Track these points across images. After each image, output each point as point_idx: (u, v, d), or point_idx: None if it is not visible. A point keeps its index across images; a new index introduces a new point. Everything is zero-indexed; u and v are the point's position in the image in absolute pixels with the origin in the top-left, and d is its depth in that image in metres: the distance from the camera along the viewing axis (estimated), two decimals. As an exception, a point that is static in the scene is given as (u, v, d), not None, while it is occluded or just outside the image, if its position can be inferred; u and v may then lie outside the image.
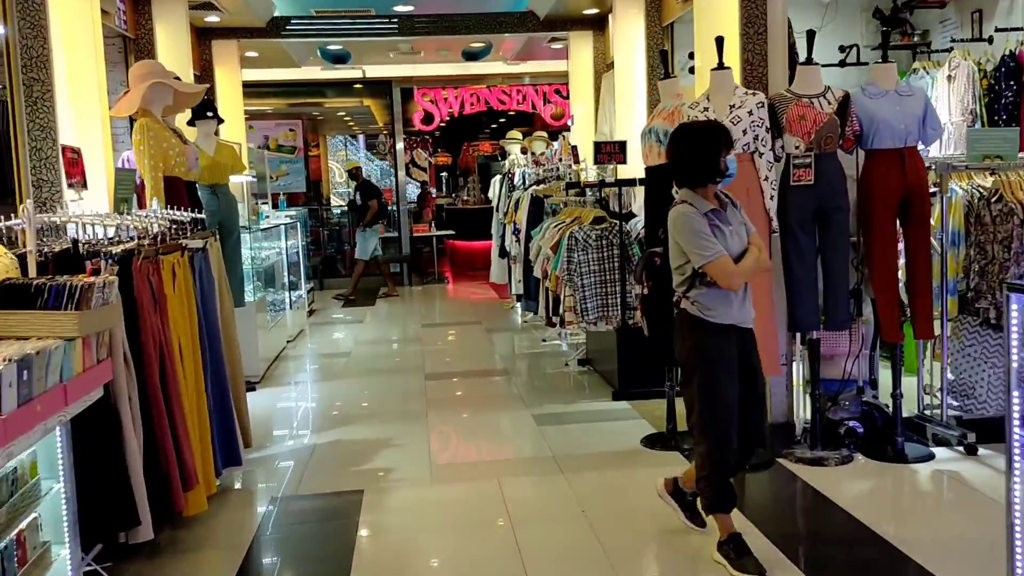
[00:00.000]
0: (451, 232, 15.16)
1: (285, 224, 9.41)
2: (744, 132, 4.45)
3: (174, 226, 4.30)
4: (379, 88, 14.50)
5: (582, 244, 5.95)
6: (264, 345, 7.60)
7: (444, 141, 23.48)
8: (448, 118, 14.16)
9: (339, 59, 13.24)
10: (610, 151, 5.93)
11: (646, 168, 4.99)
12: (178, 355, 3.84)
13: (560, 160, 9.36)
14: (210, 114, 6.71)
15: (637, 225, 6.25)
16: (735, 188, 4.42)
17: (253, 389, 6.91)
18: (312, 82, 13.70)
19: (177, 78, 5.46)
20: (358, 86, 14.52)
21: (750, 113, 4.47)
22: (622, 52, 7.78)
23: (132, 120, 5.54)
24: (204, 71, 8.97)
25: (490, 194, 11.56)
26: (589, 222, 6.02)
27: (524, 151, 11.55)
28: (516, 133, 11.70)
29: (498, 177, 11.32)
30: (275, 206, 10.96)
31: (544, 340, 8.52)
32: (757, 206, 4.46)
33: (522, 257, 8.55)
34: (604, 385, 6.50)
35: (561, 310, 6.06)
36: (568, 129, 13.39)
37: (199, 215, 4.58)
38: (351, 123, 19.65)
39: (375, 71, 13.77)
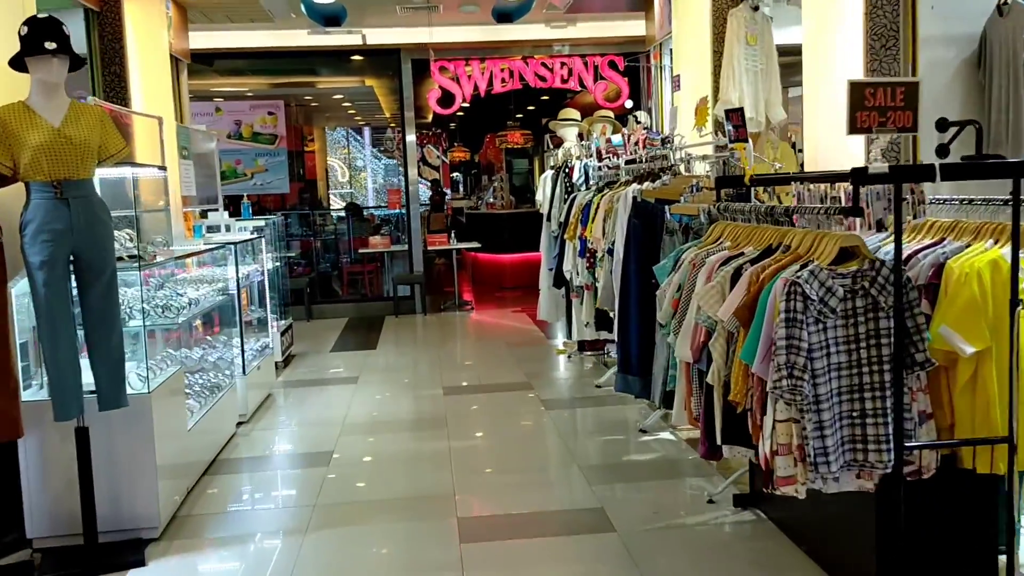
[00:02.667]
0: (476, 244, 11.91)
1: (238, 243, 6.19)
2: None
3: None
4: (384, 61, 11.27)
5: (817, 307, 2.71)
6: (183, 455, 4.41)
7: (461, 133, 20.28)
8: (472, 98, 10.91)
9: (331, 19, 10.03)
10: (882, 104, 2.68)
11: None
12: None
13: (640, 144, 6.18)
14: (51, 46, 3.51)
15: (887, 254, 3.01)
16: None
17: (140, 563, 3.72)
18: (297, 51, 10.49)
19: None
20: (357, 58, 11.31)
21: None
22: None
23: None
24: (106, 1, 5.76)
25: (538, 196, 8.35)
26: (830, 260, 2.77)
27: (581, 136, 8.32)
28: (572, 112, 8.46)
29: (549, 173, 8.09)
30: (234, 213, 7.76)
31: (643, 430, 5.30)
32: None
33: (609, 288, 5.35)
34: (813, 570, 3.29)
35: (767, 447, 2.81)
36: (629, 111, 10.18)
37: None
38: (351, 110, 16.45)
39: (378, 36, 10.56)
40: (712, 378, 3.16)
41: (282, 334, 7.81)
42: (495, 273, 13.52)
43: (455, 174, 21.99)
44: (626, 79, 10.84)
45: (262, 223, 7.81)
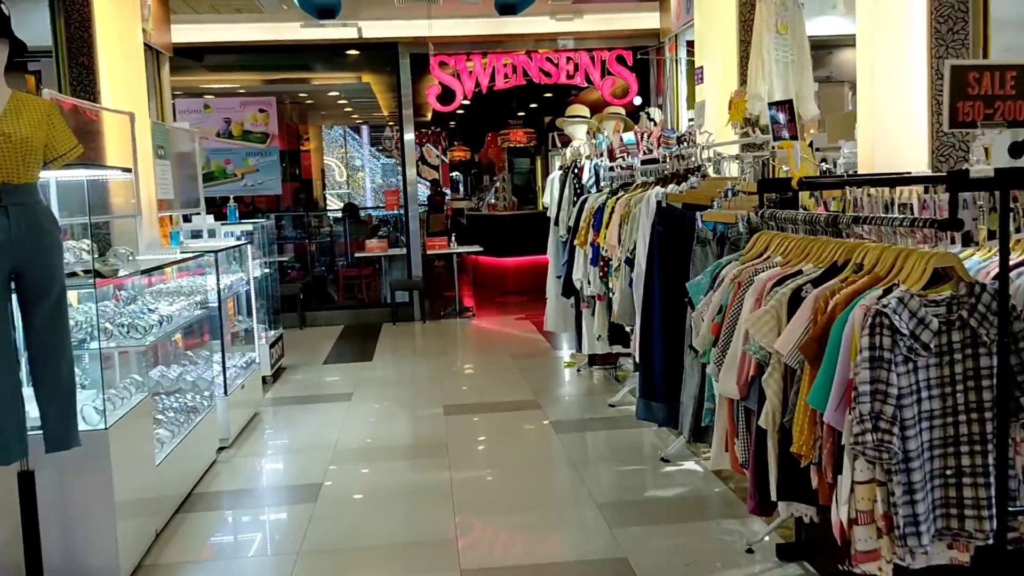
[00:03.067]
0: (478, 248, 11.40)
1: (219, 251, 5.67)
2: None
3: None
4: (381, 55, 10.75)
5: (907, 342, 2.20)
6: (150, 493, 3.90)
7: (461, 131, 19.76)
8: (474, 94, 10.39)
9: (325, 10, 9.52)
10: (988, 93, 2.17)
11: None
12: None
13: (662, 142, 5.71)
14: (-17, 27, 3.00)
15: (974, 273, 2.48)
16: None
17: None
18: (290, 45, 9.96)
19: None
20: (353, 52, 10.79)
21: None
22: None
23: None
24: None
25: (544, 198, 7.83)
26: (922, 284, 2.26)
27: (590, 134, 7.80)
28: (581, 108, 7.95)
29: (557, 174, 7.58)
30: (220, 216, 7.26)
31: (665, 459, 4.78)
32: None
33: (627, 301, 4.85)
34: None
35: (843, 514, 2.30)
36: (638, 108, 9.69)
37: None
38: (348, 107, 15.94)
39: (375, 29, 10.04)
40: (765, 421, 2.65)
41: (271, 346, 7.30)
42: (497, 277, 13.01)
43: (454, 174, 21.48)
44: (635, 75, 10.33)
45: (250, 227, 7.32)
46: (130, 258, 3.93)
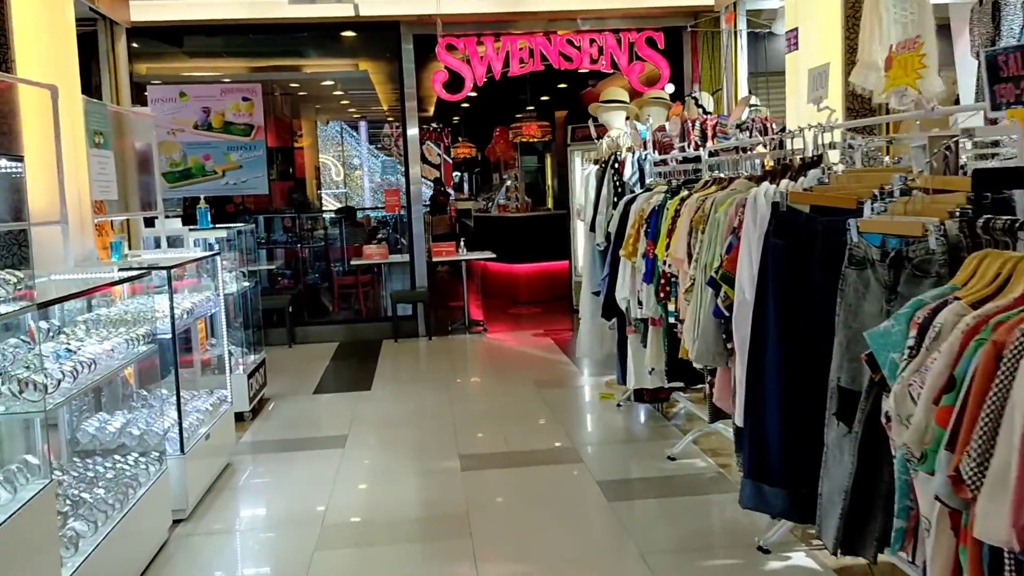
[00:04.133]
0: (490, 255, 10.17)
1: (173, 266, 4.44)
2: None
3: None
4: (380, 38, 9.52)
5: None
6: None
7: (465, 126, 18.52)
8: (486, 81, 9.17)
9: (317, -16, 8.33)
10: None
11: None
12: None
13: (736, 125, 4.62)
14: None
15: None
16: None
17: None
18: (276, 24, 8.73)
19: None
20: (349, 34, 9.57)
21: None
22: None
23: None
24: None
25: (577, 199, 6.62)
26: None
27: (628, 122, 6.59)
28: (619, 92, 6.73)
29: (592, 169, 6.36)
30: (188, 221, 6.03)
31: (765, 549, 3.56)
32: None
33: (710, 337, 3.64)
34: None
35: None
36: (672, 97, 8.49)
37: None
38: (344, 100, 14.72)
39: (373, 6, 8.80)
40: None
41: (250, 375, 6.08)
42: (508, 285, 11.80)
43: (456, 173, 20.23)
44: (666, 60, 9.14)
45: (224, 233, 6.11)
46: (19, 285, 2.71)
